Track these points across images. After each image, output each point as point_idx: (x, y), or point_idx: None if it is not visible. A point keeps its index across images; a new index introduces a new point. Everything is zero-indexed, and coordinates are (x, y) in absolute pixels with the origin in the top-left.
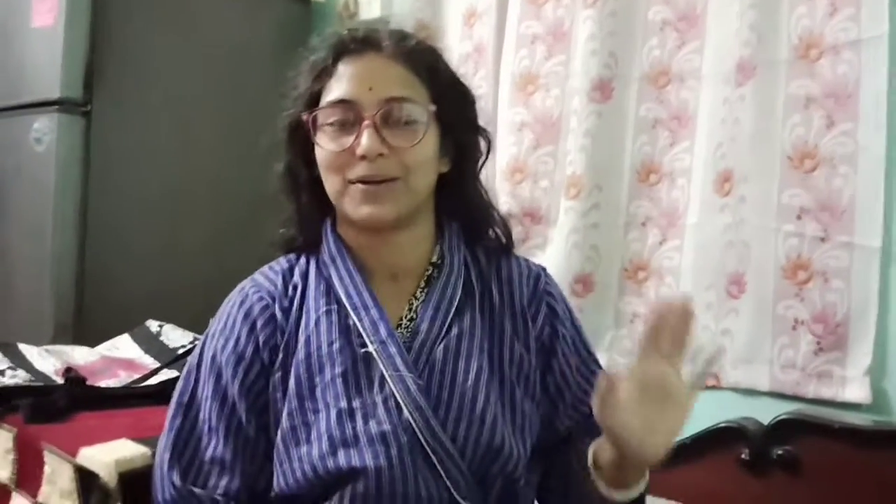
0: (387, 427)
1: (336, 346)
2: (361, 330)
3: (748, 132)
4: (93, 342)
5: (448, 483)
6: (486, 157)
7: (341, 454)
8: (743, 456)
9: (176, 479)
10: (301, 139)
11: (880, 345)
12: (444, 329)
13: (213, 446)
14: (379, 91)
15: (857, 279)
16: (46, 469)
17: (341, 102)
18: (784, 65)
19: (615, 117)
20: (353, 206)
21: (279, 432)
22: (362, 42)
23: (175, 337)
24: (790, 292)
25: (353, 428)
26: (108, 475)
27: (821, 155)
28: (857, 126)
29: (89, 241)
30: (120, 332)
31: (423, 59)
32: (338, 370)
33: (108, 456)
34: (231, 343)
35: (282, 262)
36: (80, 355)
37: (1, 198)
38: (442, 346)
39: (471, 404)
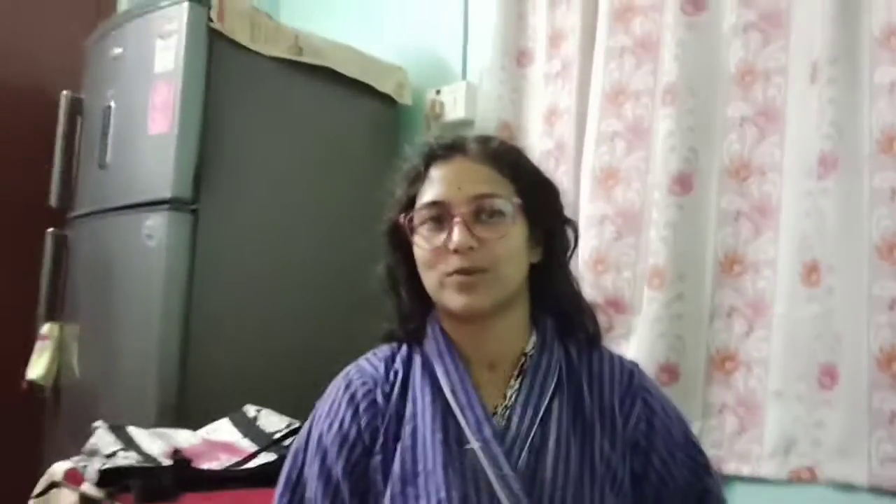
0: None
1: (439, 437)
2: (465, 427)
3: (834, 224)
4: (194, 425)
5: None
6: (575, 247)
7: None
8: None
9: None
10: (399, 240)
11: None
12: (538, 422)
13: None
14: (467, 190)
15: None
16: None
17: (434, 204)
18: (867, 158)
19: (696, 209)
20: (450, 296)
21: None
22: (450, 148)
23: (272, 422)
24: (885, 384)
25: None
26: None
27: None
28: None
29: (193, 330)
30: (220, 416)
31: (505, 158)
32: (440, 461)
33: None
34: (336, 425)
35: (385, 350)
36: (184, 438)
37: (113, 288)
38: (535, 441)
39: (560, 502)
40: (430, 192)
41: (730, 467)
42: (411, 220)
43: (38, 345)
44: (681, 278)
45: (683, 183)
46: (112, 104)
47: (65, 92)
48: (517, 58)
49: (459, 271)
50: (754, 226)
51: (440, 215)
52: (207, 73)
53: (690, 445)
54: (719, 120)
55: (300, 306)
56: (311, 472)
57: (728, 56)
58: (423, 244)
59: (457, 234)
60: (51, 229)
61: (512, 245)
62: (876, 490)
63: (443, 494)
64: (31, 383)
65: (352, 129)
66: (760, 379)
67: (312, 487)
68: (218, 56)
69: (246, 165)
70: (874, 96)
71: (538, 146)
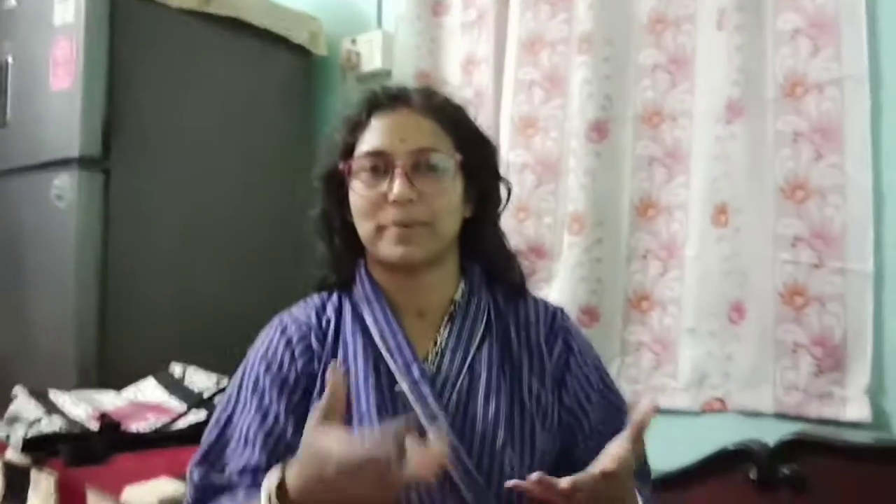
0: None
1: (371, 381)
2: (394, 370)
3: (741, 167)
4: (116, 387)
5: None
6: (506, 204)
7: None
8: (751, 476)
9: (196, 477)
10: (335, 187)
11: (877, 364)
12: (466, 366)
13: (247, 456)
14: (409, 142)
15: (852, 303)
16: None
17: (375, 153)
18: (771, 103)
19: (613, 156)
20: (387, 247)
21: None
22: (394, 98)
23: (199, 380)
24: (789, 317)
25: None
26: None
27: (811, 186)
28: (844, 158)
29: (110, 291)
30: (144, 375)
31: (449, 114)
32: (373, 403)
33: (152, 494)
34: (275, 367)
35: (315, 299)
36: (109, 400)
37: (23, 252)
38: (464, 382)
39: (491, 440)
40: (371, 141)
41: (646, 400)
42: (350, 167)
43: None
44: (599, 223)
45: (600, 130)
46: (9, 59)
47: None
48: (433, 7)
49: (398, 223)
50: (667, 170)
51: (380, 165)
52: (111, 26)
53: (606, 389)
54: (632, 67)
55: (218, 263)
56: (245, 411)
57: (640, 4)
58: (361, 192)
59: (397, 186)
60: None
61: (450, 200)
62: (780, 416)
63: None
64: None
65: (266, 81)
66: (675, 317)
67: (244, 424)
68: (121, 8)
69: (157, 121)
70: (777, 43)
71: (457, 95)
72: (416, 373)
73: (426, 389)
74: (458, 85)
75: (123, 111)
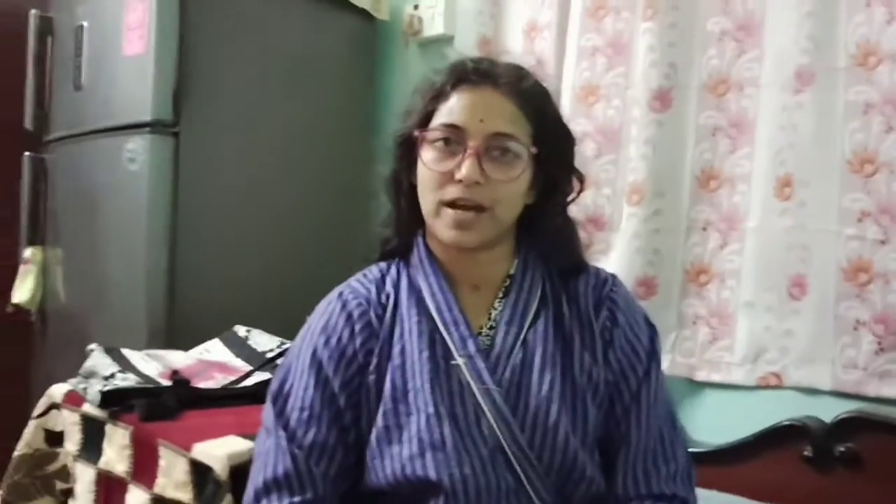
0: (474, 435)
1: (426, 354)
2: (450, 343)
3: (807, 138)
4: (184, 347)
5: (530, 491)
6: (577, 196)
7: (429, 456)
8: (806, 453)
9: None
10: (408, 151)
11: None
12: (520, 340)
13: (315, 432)
14: (488, 124)
15: None
16: (162, 463)
17: (451, 127)
18: (842, 72)
19: (675, 125)
20: (443, 228)
21: (374, 431)
22: (482, 74)
23: (262, 341)
24: (851, 294)
25: (441, 433)
26: (220, 468)
27: (880, 160)
28: None
29: (179, 254)
30: (209, 338)
31: (533, 100)
32: (427, 377)
33: (220, 450)
34: (334, 341)
35: (374, 271)
36: (178, 359)
37: (97, 212)
38: (518, 357)
39: (545, 415)
40: (450, 114)
41: (702, 374)
42: (424, 135)
43: (22, 269)
44: (659, 194)
45: (663, 99)
46: (84, 24)
47: (33, 11)
48: None
49: (458, 203)
50: (731, 141)
51: (454, 140)
52: None
53: (646, 378)
54: (699, 34)
55: (283, 228)
56: (302, 383)
57: None
58: (430, 164)
59: (466, 167)
60: (28, 153)
61: (516, 189)
62: (838, 393)
63: (431, 409)
64: (18, 307)
65: (330, 45)
66: (733, 290)
67: (303, 397)
68: None
69: (225, 86)
70: (851, 10)
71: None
72: (471, 347)
73: (481, 364)
74: (519, 51)
75: (193, 76)
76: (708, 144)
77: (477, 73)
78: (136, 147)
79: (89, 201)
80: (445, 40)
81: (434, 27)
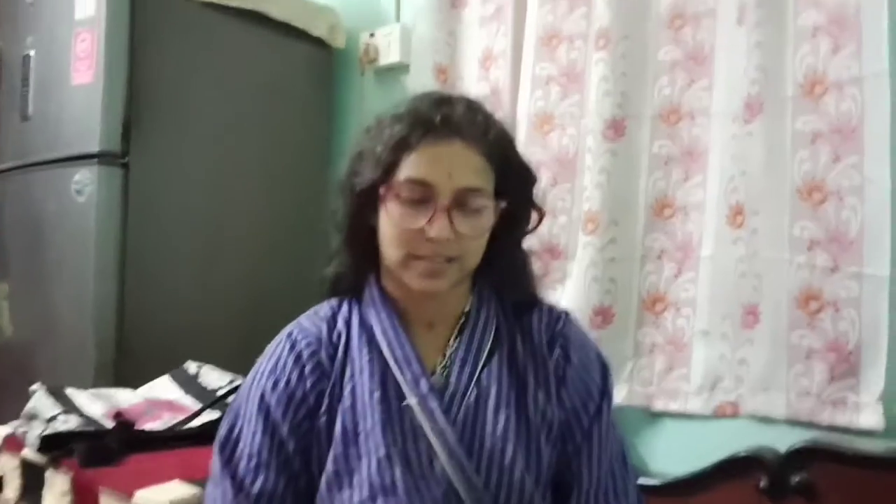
0: (426, 476)
1: (377, 395)
2: (402, 383)
3: (758, 166)
4: (134, 383)
5: None
6: (535, 228)
7: (380, 502)
8: (761, 484)
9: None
10: (367, 198)
11: (892, 371)
12: (475, 379)
13: (263, 480)
14: (456, 179)
15: (868, 308)
16: None
17: (421, 183)
18: (790, 101)
19: (629, 154)
20: (413, 277)
21: (324, 476)
22: (448, 126)
23: (213, 378)
24: (803, 322)
25: (392, 476)
26: None
27: (828, 188)
28: (863, 159)
29: (128, 287)
30: (160, 373)
31: (498, 150)
32: (378, 419)
33: (164, 497)
34: (282, 384)
35: (325, 309)
36: (125, 398)
37: (44, 244)
38: (473, 396)
39: (500, 455)
40: (417, 169)
41: (659, 404)
42: (390, 190)
43: None
44: (614, 223)
45: (616, 128)
46: (32, 53)
47: None
48: (451, 0)
49: (429, 258)
50: (684, 169)
51: (423, 195)
52: (132, 19)
53: (598, 416)
54: (651, 64)
55: (237, 258)
56: (251, 429)
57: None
58: (397, 220)
59: (438, 227)
60: None
61: (483, 237)
62: (792, 421)
63: (382, 452)
64: None
65: (286, 74)
66: (688, 319)
67: (251, 444)
68: (142, 0)
69: (177, 115)
70: (798, 40)
71: (474, 90)
72: (424, 387)
73: (434, 404)
74: (475, 80)
75: (144, 106)
76: (661, 173)
77: (443, 125)
78: (84, 178)
79: (37, 233)
80: (401, 68)
81: (390, 55)
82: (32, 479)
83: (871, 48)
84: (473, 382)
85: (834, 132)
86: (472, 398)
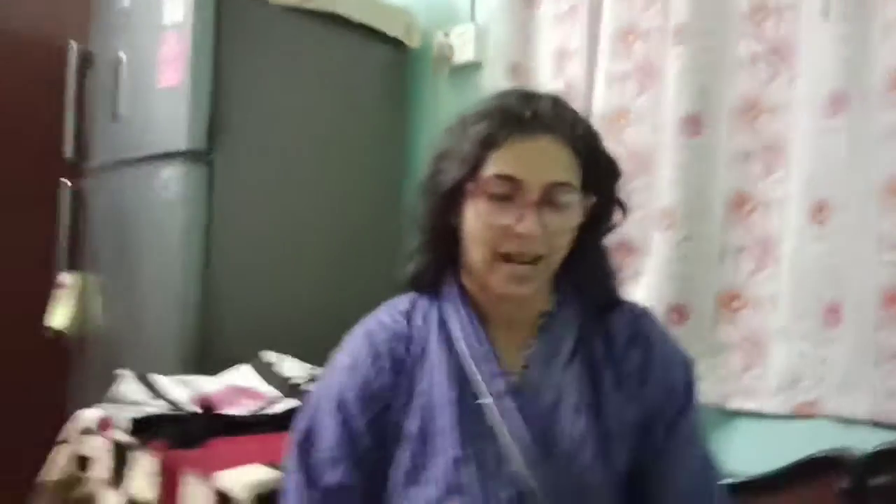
0: (496, 477)
1: (454, 394)
2: (479, 382)
3: (843, 162)
4: (215, 374)
5: None
6: (618, 226)
7: (452, 500)
8: (842, 486)
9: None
10: (452, 197)
11: None
12: (553, 381)
13: (337, 473)
14: (545, 174)
15: None
16: (185, 491)
17: (508, 179)
18: (877, 96)
19: (706, 150)
20: (498, 281)
21: (397, 471)
22: (537, 122)
23: (292, 368)
24: (891, 321)
25: (465, 476)
26: (245, 497)
27: None
28: None
29: (212, 281)
30: (239, 363)
31: (586, 146)
32: (454, 418)
33: (245, 480)
34: (359, 379)
35: (404, 303)
36: (208, 384)
37: (132, 240)
38: (550, 397)
39: (575, 457)
40: (505, 165)
41: (735, 402)
42: (479, 186)
43: (56, 294)
44: (691, 219)
45: (693, 124)
46: (122, 56)
47: (73, 43)
48: None
49: (517, 258)
50: (764, 165)
51: (510, 192)
52: (216, 24)
53: (682, 417)
54: (730, 58)
55: (316, 256)
56: (328, 423)
57: None
58: (484, 217)
59: (528, 222)
60: (67, 180)
61: (571, 234)
62: (877, 423)
63: (458, 451)
64: (54, 331)
65: (363, 74)
66: (766, 316)
67: (328, 438)
68: (227, 6)
69: (259, 115)
70: (885, 33)
71: (549, 87)
72: (500, 386)
73: (511, 404)
74: (549, 77)
75: (227, 107)
76: (740, 168)
77: (532, 121)
78: (171, 176)
79: (126, 228)
80: (475, 67)
81: (464, 54)
82: (122, 460)
83: None
84: (552, 384)
85: None
86: (550, 399)
